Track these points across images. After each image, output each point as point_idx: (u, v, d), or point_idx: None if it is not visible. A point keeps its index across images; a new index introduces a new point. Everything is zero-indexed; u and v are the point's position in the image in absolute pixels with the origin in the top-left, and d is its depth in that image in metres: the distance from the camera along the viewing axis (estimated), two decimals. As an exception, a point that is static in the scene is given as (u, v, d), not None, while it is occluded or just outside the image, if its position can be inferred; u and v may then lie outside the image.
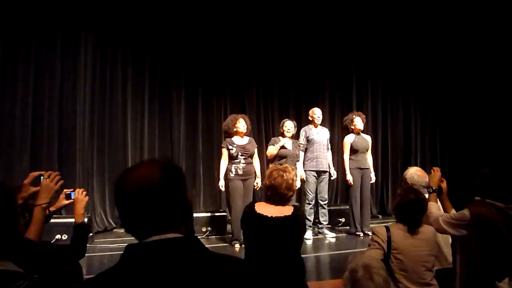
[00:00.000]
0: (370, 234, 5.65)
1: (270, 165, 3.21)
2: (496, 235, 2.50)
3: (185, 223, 1.04)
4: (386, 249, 2.38)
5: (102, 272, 0.97)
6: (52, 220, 2.47)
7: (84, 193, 2.33)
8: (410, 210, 2.45)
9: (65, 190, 2.28)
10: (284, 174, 2.59)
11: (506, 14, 7.23)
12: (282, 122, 5.74)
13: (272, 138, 5.80)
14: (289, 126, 5.60)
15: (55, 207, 2.27)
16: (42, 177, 2.00)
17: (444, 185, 2.86)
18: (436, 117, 8.45)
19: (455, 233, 2.57)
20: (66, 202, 2.33)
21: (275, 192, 2.58)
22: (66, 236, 4.86)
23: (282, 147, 5.45)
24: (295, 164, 5.50)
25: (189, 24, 7.05)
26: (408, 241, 2.40)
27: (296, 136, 5.81)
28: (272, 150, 5.47)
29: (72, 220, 2.30)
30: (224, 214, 6.18)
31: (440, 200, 2.83)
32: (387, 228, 2.46)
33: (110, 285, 0.93)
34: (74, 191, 2.34)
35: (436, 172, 2.87)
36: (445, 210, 2.81)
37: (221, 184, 5.27)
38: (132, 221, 1.00)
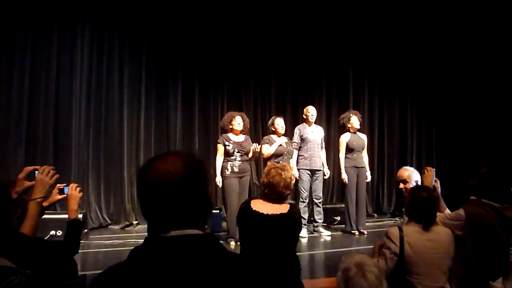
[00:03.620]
0: (366, 232, 5.73)
1: (268, 163, 3.19)
2: (491, 235, 2.51)
3: (204, 220, 1.05)
4: (399, 251, 2.29)
5: (118, 264, 0.97)
6: (47, 216, 2.46)
7: (78, 188, 2.29)
8: (423, 208, 2.37)
9: (58, 185, 2.24)
10: (283, 173, 2.57)
11: (503, 13, 7.25)
12: (272, 120, 5.63)
13: (264, 137, 5.68)
14: (281, 123, 5.57)
15: (48, 202, 2.23)
16: (37, 172, 1.99)
17: (437, 185, 2.86)
18: (432, 117, 8.46)
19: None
20: (59, 197, 2.30)
21: (272, 190, 2.57)
22: (61, 232, 4.83)
23: (280, 145, 5.44)
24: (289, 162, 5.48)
25: (187, 20, 7.02)
26: (423, 243, 2.30)
27: (290, 135, 5.78)
28: (270, 149, 5.40)
29: (67, 216, 2.28)
30: (220, 211, 6.16)
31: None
32: (400, 228, 2.37)
33: (127, 278, 0.93)
34: (67, 185, 2.30)
35: (430, 172, 2.85)
36: (439, 210, 2.81)
37: (218, 180, 5.21)
38: (153, 214, 1.00)
